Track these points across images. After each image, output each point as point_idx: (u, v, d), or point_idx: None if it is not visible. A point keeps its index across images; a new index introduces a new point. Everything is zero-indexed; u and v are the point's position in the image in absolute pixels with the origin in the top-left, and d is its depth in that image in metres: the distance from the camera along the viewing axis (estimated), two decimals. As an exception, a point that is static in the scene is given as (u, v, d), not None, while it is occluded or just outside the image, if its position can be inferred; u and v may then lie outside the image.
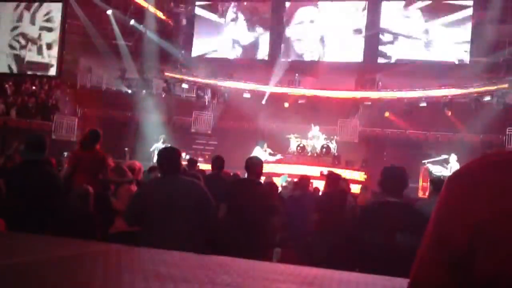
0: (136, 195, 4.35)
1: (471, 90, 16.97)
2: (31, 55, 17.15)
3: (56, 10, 16.83)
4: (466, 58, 18.07)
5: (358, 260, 3.60)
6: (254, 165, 5.33)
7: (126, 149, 15.74)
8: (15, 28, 17.17)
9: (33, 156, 4.56)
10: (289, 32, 20.10)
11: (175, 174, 4.10)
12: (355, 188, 10.97)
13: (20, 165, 5.12)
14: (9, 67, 17.31)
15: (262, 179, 6.60)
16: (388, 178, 3.62)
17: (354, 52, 19.35)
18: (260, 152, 15.04)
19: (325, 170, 9.58)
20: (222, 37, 20.66)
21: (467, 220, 0.77)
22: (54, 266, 1.81)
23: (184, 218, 3.93)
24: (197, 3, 21.00)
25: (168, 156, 4.22)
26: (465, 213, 0.78)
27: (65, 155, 12.68)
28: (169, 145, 16.02)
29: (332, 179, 6.33)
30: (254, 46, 20.42)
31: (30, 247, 2.17)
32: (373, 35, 19.14)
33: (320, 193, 7.15)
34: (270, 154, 15.57)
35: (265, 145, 15.63)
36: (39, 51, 17.13)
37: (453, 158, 13.53)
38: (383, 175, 3.65)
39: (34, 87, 19.61)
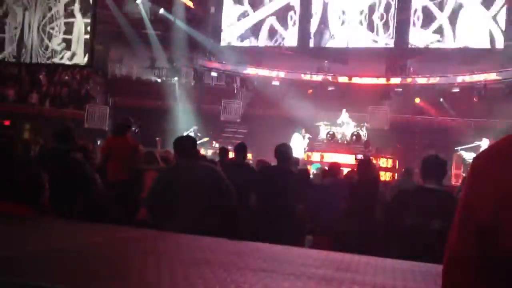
0: (155, 181, 4.42)
1: (505, 75, 16.56)
2: (56, 41, 17.34)
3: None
4: (500, 43, 17.57)
5: (392, 243, 3.64)
6: (283, 153, 5.35)
7: (158, 138, 15.90)
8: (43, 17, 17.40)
9: (60, 145, 4.71)
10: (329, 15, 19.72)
11: (190, 159, 4.18)
12: (386, 176, 10.89)
13: (47, 152, 5.28)
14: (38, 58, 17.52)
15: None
16: (428, 165, 3.69)
17: (385, 37, 19.03)
18: (299, 139, 15.08)
19: (360, 156, 9.51)
20: (251, 25, 20.56)
21: (493, 195, 0.78)
22: (91, 252, 1.86)
23: (200, 201, 3.99)
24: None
25: (182, 143, 4.31)
26: (491, 188, 0.79)
27: (99, 143, 12.91)
28: (203, 138, 16.21)
29: (364, 166, 6.27)
30: (282, 32, 20.26)
31: (67, 234, 2.23)
32: (404, 19, 18.75)
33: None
34: (309, 138, 15.63)
35: (303, 131, 15.66)
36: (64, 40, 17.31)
37: (485, 143, 13.28)
38: (424, 162, 3.76)
39: (67, 77, 19.95)
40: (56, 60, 17.39)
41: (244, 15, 20.47)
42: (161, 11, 19.74)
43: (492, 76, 16.78)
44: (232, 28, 20.62)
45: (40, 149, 8.47)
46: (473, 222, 0.80)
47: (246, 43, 20.54)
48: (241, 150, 6.85)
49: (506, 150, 0.81)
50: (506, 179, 0.77)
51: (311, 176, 8.41)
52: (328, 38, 19.66)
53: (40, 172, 3.18)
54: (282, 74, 19.42)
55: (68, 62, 17.34)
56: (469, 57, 17.22)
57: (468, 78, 17.26)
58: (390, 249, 3.51)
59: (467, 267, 0.80)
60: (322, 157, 14.80)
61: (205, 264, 1.71)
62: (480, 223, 0.79)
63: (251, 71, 19.78)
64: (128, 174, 6.33)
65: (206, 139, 16.64)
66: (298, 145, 14.59)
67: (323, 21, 19.71)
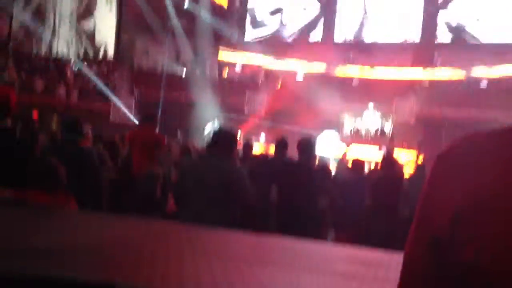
0: (179, 174, 4.49)
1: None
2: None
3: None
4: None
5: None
6: (306, 147, 5.34)
7: (178, 130, 15.99)
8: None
9: (69, 137, 4.75)
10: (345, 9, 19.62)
11: (215, 154, 4.18)
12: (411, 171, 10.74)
13: (57, 144, 5.37)
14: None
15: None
16: None
17: (412, 30, 18.78)
18: (334, 135, 15.10)
19: (383, 149, 9.40)
20: (276, 19, 20.52)
21: (446, 206, 0.74)
22: (115, 245, 1.89)
23: (215, 196, 4.02)
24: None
25: (217, 136, 4.31)
26: (445, 198, 0.75)
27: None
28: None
29: (388, 162, 6.23)
30: (308, 26, 20.17)
31: (98, 226, 2.27)
32: (432, 11, 18.46)
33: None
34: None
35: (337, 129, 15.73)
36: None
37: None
38: None
39: (93, 70, 20.18)
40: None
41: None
42: (187, 3, 19.80)
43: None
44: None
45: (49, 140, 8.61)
46: (427, 231, 0.77)
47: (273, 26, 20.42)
48: (281, 145, 6.79)
49: (461, 154, 0.77)
50: (460, 188, 0.74)
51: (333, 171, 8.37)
52: (357, 32, 19.50)
53: (58, 163, 3.24)
54: (306, 67, 19.32)
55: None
56: (497, 50, 16.89)
57: (496, 71, 16.95)
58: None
59: (421, 277, 0.78)
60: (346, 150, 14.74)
61: (227, 258, 1.73)
62: (434, 232, 0.75)
63: (275, 63, 19.74)
64: (153, 167, 6.43)
65: None
66: (331, 142, 14.71)
67: (351, 15, 19.57)
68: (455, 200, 0.74)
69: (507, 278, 0.68)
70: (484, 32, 17.72)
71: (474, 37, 17.89)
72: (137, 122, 7.14)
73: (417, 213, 0.81)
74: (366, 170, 8.16)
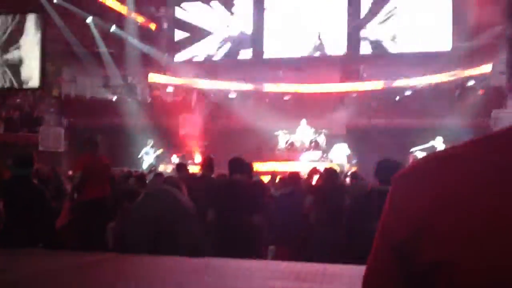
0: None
1: (454, 76, 17.12)
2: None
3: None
4: (449, 45, 18.14)
5: (348, 251, 3.67)
6: (238, 165, 5.37)
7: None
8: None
9: (21, 172, 4.60)
10: (272, 25, 20.00)
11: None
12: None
13: (8, 180, 5.15)
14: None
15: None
16: (382, 168, 3.75)
17: (337, 44, 19.38)
18: (341, 149, 15.31)
19: (317, 167, 9.56)
20: (205, 39, 20.58)
21: (408, 215, 0.79)
22: (49, 278, 1.82)
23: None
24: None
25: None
26: (406, 208, 0.80)
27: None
28: (158, 149, 16.16)
29: (330, 174, 6.35)
30: (238, 45, 20.37)
31: (28, 261, 2.18)
32: (355, 25, 19.16)
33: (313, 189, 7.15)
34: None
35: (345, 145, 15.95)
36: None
37: (439, 141, 13.77)
38: (378, 166, 3.81)
39: (18, 100, 19.48)
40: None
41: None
42: (113, 28, 19.53)
43: (442, 77, 17.30)
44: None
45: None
46: (389, 240, 0.80)
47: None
48: (205, 163, 6.85)
49: (423, 168, 0.82)
50: (422, 198, 0.78)
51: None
52: (280, 48, 19.88)
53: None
54: (238, 86, 19.47)
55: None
56: (420, 60, 17.69)
57: (419, 80, 17.74)
58: (352, 255, 3.54)
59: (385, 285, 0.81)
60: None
61: (162, 284, 1.70)
62: (396, 241, 0.79)
63: (207, 84, 19.77)
64: (108, 192, 6.45)
65: (160, 150, 16.61)
66: (340, 155, 14.86)
67: (275, 32, 19.94)
68: (416, 209, 0.78)
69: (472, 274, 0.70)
70: (404, 44, 18.56)
71: (394, 49, 18.73)
72: (82, 148, 7.00)
73: (380, 227, 0.85)
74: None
